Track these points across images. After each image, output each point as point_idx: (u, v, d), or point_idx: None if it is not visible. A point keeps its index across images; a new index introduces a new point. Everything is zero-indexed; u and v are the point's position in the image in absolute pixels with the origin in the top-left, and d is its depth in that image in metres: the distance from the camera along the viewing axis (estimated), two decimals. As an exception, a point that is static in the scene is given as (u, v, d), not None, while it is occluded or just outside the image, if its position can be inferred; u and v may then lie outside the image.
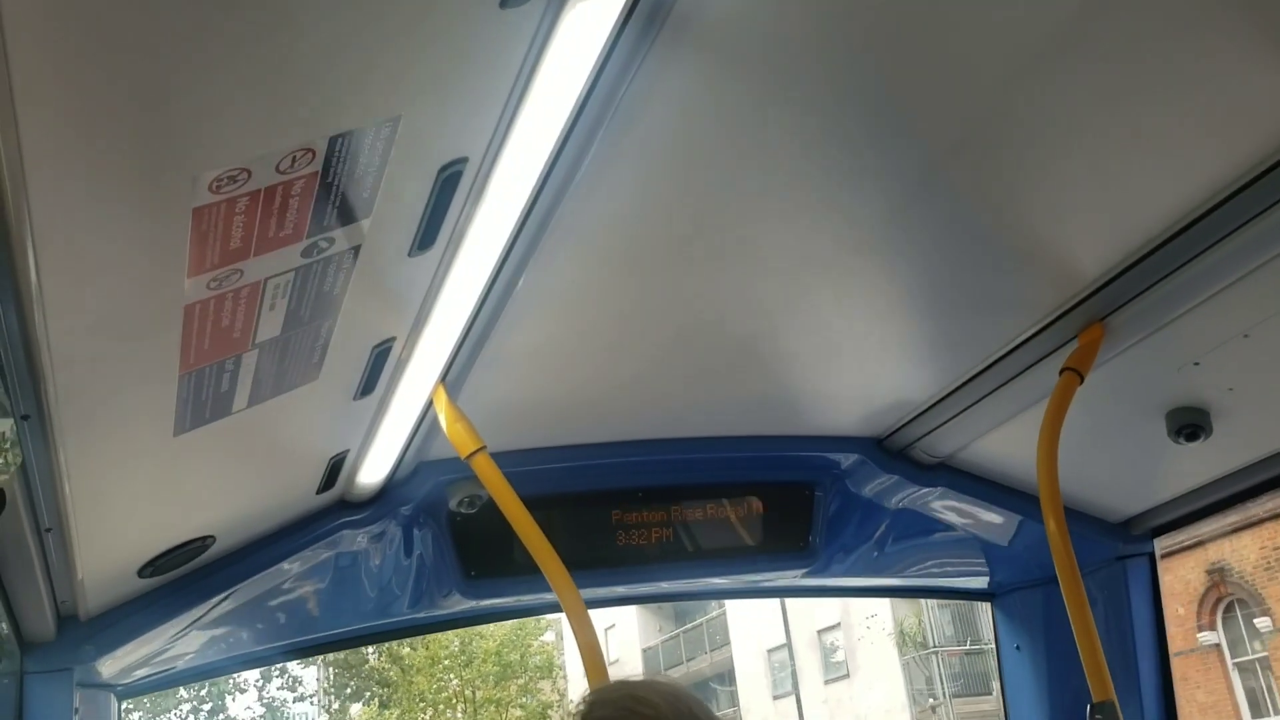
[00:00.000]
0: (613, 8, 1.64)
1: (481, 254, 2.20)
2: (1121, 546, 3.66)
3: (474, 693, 28.52)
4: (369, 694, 29.35)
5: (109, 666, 3.19)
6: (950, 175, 2.26)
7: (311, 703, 31.36)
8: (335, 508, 3.26)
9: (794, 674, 32.91)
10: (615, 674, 2.43)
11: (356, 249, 1.96)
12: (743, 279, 2.61)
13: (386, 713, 28.85)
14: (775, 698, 33.89)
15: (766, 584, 3.96)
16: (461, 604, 3.57)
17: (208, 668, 3.95)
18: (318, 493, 3.10)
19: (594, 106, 1.86)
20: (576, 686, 28.37)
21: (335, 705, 30.50)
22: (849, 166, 2.24)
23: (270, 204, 1.69)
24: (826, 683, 31.90)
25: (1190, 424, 3.01)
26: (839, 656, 31.45)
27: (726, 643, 35.58)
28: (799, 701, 32.59)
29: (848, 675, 31.14)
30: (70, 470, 2.17)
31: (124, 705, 3.50)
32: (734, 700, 35.02)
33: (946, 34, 1.89)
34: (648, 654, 38.63)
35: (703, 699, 2.07)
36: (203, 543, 2.93)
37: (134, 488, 2.51)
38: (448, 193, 1.93)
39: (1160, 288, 2.54)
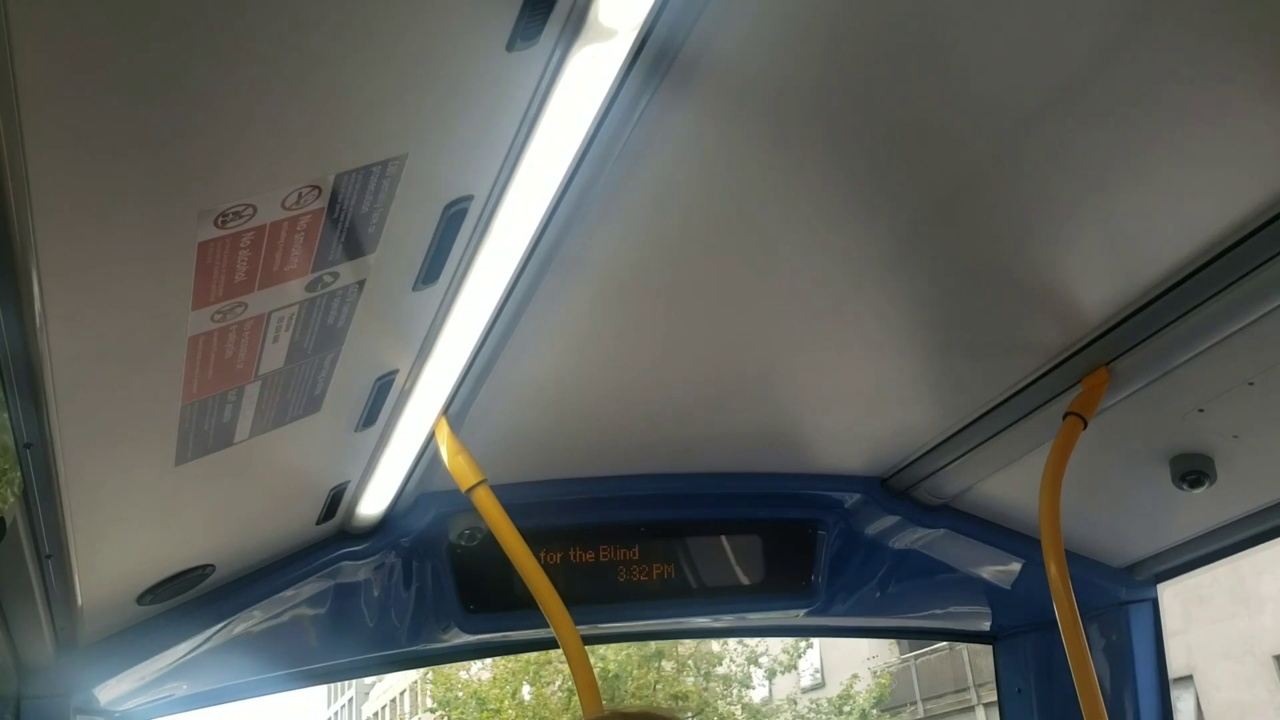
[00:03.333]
0: (619, 51, 1.65)
1: (485, 290, 2.21)
2: (1124, 592, 3.64)
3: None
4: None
5: (106, 693, 3.18)
6: (956, 218, 2.27)
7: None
8: (335, 538, 3.25)
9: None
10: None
11: (361, 283, 1.97)
12: (746, 317, 2.61)
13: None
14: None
15: (767, 623, 3.94)
16: (460, 637, 3.55)
17: (205, 695, 3.93)
18: (318, 523, 3.10)
19: (599, 147, 1.87)
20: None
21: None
22: (854, 208, 2.25)
23: (275, 239, 1.70)
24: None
25: (1194, 470, 3.00)
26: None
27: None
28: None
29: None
30: (71, 498, 2.17)
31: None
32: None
33: (953, 80, 1.89)
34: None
35: None
36: (202, 571, 2.92)
37: (134, 516, 2.51)
38: (452, 230, 1.94)
39: (1166, 334, 2.54)
